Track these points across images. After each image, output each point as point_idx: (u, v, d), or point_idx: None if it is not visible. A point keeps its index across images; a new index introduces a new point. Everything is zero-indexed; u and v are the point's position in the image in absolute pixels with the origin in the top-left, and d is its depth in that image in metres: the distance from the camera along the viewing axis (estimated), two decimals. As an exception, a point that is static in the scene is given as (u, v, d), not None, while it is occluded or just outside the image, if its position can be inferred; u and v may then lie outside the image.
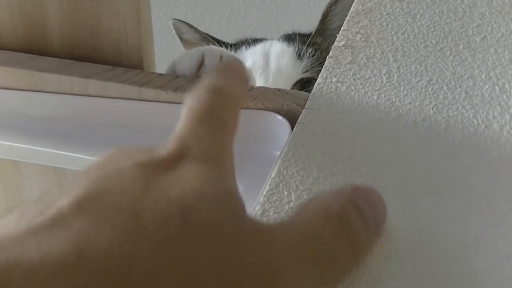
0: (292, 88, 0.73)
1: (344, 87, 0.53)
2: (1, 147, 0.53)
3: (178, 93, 0.54)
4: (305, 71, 0.75)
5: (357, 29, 0.60)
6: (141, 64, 0.58)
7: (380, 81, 0.53)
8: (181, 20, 0.84)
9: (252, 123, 0.52)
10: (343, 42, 0.58)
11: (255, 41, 0.83)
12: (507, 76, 0.53)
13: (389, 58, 0.56)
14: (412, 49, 0.57)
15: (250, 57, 0.77)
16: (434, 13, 0.62)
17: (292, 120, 0.51)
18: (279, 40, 0.81)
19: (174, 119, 0.35)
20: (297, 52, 0.76)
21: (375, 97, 0.51)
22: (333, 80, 0.53)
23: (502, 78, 0.52)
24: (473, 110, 0.49)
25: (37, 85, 0.55)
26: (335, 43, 0.59)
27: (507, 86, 0.51)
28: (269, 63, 0.75)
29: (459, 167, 0.44)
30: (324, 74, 0.54)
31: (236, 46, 0.83)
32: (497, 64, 0.54)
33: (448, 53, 0.56)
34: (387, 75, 0.54)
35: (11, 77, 0.55)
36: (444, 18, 0.61)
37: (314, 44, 0.78)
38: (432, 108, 0.50)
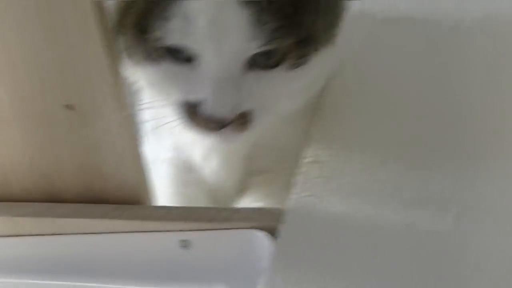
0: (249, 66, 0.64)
1: (315, 199, 0.60)
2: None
3: (176, 221, 0.62)
4: (264, 44, 0.62)
5: (323, 144, 0.69)
6: (140, 199, 0.67)
7: (345, 190, 0.61)
8: None
9: (240, 242, 0.59)
10: (312, 158, 0.66)
11: None
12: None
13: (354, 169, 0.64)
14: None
15: (199, 15, 0.61)
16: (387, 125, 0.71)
17: (273, 235, 0.58)
18: None
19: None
20: (252, 15, 0.61)
21: (342, 208, 0.59)
22: (304, 194, 0.61)
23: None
24: (429, 213, 0.57)
25: (54, 230, 0.64)
26: (303, 159, 0.66)
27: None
28: (224, 29, 0.61)
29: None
30: (297, 188, 0.62)
31: None
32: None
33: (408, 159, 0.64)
34: (350, 184, 0.62)
35: (33, 226, 0.64)
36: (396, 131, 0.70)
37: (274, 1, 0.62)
38: (392, 212, 0.58)
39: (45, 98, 0.63)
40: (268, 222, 0.60)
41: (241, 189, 0.83)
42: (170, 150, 0.86)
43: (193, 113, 0.66)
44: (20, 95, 0.63)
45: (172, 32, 0.62)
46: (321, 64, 0.68)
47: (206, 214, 0.62)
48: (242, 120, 0.66)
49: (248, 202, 0.80)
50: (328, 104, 0.74)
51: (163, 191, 0.85)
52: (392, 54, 0.82)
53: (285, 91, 0.68)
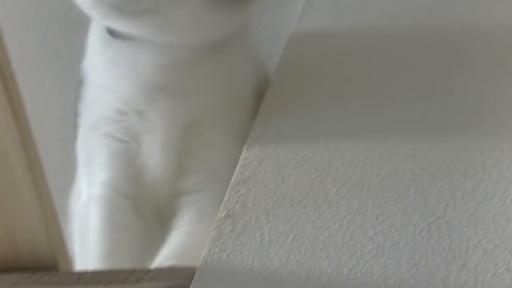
0: None
1: (225, 255, 0.62)
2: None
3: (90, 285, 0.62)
4: None
5: (236, 198, 0.70)
6: (56, 264, 0.67)
7: (254, 244, 0.62)
8: None
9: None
10: (224, 212, 0.68)
11: None
12: (355, 223, 0.63)
13: (261, 221, 0.66)
14: (281, 209, 0.67)
15: None
16: (299, 172, 0.73)
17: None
18: None
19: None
20: None
21: (250, 261, 0.60)
22: (217, 250, 0.63)
23: (351, 226, 0.63)
24: (328, 259, 0.59)
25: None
26: (219, 214, 0.68)
27: (355, 232, 0.62)
28: None
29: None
30: (210, 245, 0.63)
31: None
32: (347, 213, 0.65)
33: (309, 209, 0.66)
34: (260, 238, 0.63)
35: None
36: (307, 176, 0.72)
37: None
38: (296, 263, 0.59)
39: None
40: (179, 280, 0.61)
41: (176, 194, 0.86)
42: (102, 186, 0.87)
43: None
44: None
45: None
46: None
47: (118, 276, 0.63)
48: None
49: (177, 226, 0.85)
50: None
51: (93, 234, 0.84)
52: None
53: None
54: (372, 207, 0.65)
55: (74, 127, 0.89)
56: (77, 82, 0.89)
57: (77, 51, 0.90)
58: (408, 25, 1.02)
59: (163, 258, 0.80)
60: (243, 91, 0.89)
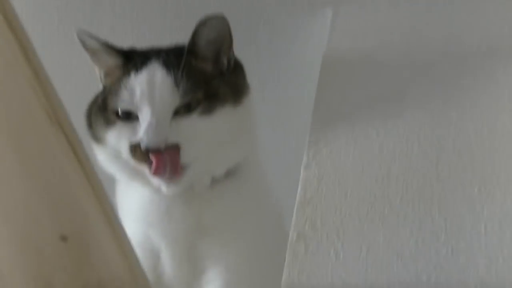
0: (174, 115, 0.85)
1: (304, 277, 0.63)
2: None
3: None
4: (182, 99, 0.86)
5: (304, 219, 0.71)
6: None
7: (330, 262, 0.63)
8: (85, 31, 0.90)
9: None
10: (296, 234, 0.69)
11: (143, 60, 0.91)
12: (425, 228, 0.63)
13: (333, 238, 0.66)
14: (350, 224, 0.68)
15: (137, 87, 0.87)
16: (360, 185, 0.73)
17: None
18: (162, 59, 0.90)
19: None
20: (174, 81, 0.86)
21: (329, 279, 0.61)
22: (295, 272, 0.64)
23: (421, 231, 0.63)
24: (405, 268, 0.59)
25: None
26: (289, 238, 0.69)
27: (426, 237, 0.62)
28: (153, 94, 0.86)
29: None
30: (288, 269, 0.64)
31: (128, 55, 0.91)
32: (415, 219, 0.65)
33: (377, 220, 0.67)
34: (335, 255, 0.64)
35: None
36: (368, 188, 0.72)
37: (189, 66, 0.88)
38: (374, 275, 0.60)
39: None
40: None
41: None
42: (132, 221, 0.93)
43: (135, 151, 0.84)
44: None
45: (122, 101, 0.87)
46: (227, 117, 0.88)
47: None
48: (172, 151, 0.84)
49: None
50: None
51: None
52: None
53: (202, 132, 0.86)
54: (439, 209, 0.65)
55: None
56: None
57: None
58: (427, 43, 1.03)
59: None
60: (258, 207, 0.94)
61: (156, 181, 0.86)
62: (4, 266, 0.67)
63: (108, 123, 0.88)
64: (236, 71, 0.95)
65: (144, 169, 0.85)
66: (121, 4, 1.40)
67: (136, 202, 0.91)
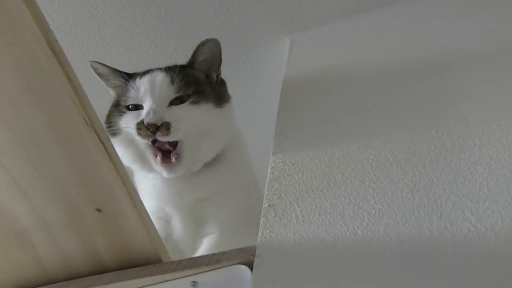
0: (170, 104, 0.87)
1: (274, 234, 0.63)
2: None
3: (186, 269, 0.64)
4: (176, 93, 0.87)
5: (273, 192, 0.71)
6: (160, 259, 0.68)
7: (292, 223, 0.63)
8: (96, 61, 0.93)
9: (229, 275, 0.61)
10: (267, 203, 0.69)
11: (146, 72, 0.92)
12: (359, 197, 0.64)
13: (294, 206, 0.66)
14: (306, 195, 0.68)
15: (142, 86, 0.88)
16: (313, 166, 0.73)
17: (251, 266, 0.60)
18: (163, 70, 0.91)
19: None
20: (171, 79, 0.88)
21: (291, 235, 0.61)
22: (267, 232, 0.64)
23: (357, 199, 0.63)
24: (346, 226, 0.60)
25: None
26: (263, 205, 0.69)
27: (360, 203, 0.62)
28: (154, 89, 0.87)
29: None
30: (261, 229, 0.64)
31: (133, 76, 0.92)
32: (352, 190, 0.65)
33: (325, 191, 0.67)
34: (295, 218, 0.64)
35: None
36: (318, 168, 0.73)
37: (183, 71, 0.90)
38: (324, 232, 0.60)
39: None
40: (246, 257, 0.62)
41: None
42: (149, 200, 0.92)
43: (140, 128, 0.85)
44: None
45: (130, 98, 0.88)
46: (210, 112, 0.89)
47: (204, 260, 0.64)
48: (165, 127, 0.84)
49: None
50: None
51: None
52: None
53: (189, 117, 0.87)
54: (369, 182, 0.66)
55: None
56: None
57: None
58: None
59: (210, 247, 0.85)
60: (240, 181, 0.96)
61: (158, 168, 0.86)
62: (61, 229, 0.67)
63: (121, 114, 0.89)
64: (221, 84, 0.96)
65: (144, 141, 0.86)
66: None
67: (152, 187, 0.91)
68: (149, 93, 0.87)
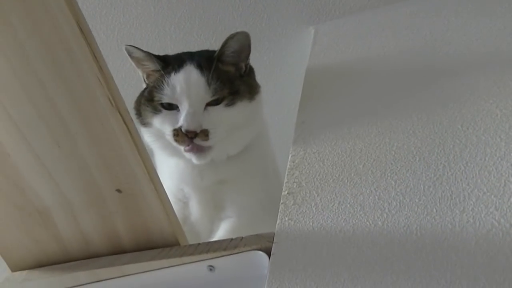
0: (205, 106, 0.86)
1: (293, 222, 0.63)
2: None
3: (203, 253, 0.64)
4: (213, 95, 0.86)
5: (293, 180, 0.71)
6: (177, 241, 0.68)
7: (311, 212, 0.63)
8: (130, 45, 0.90)
9: (247, 260, 0.61)
10: (286, 191, 0.69)
11: (179, 63, 0.89)
12: (381, 188, 0.63)
13: (314, 194, 0.66)
14: (326, 184, 0.67)
15: (177, 84, 0.86)
16: (334, 155, 0.73)
17: (269, 252, 0.60)
18: (196, 62, 0.89)
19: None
20: (206, 81, 0.86)
21: (310, 224, 0.61)
22: (286, 219, 0.63)
23: (378, 190, 0.63)
24: (366, 216, 0.59)
25: (121, 273, 0.66)
26: (282, 193, 0.69)
27: (381, 194, 0.62)
28: (190, 91, 0.85)
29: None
30: (280, 216, 0.64)
31: (168, 67, 0.89)
32: (374, 180, 0.65)
33: (346, 181, 0.66)
34: (315, 206, 0.64)
35: (107, 273, 0.66)
36: (340, 157, 0.72)
37: (217, 70, 0.87)
38: (344, 221, 0.60)
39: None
40: (264, 244, 0.62)
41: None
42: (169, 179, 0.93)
43: (177, 134, 0.84)
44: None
45: (165, 95, 0.86)
46: (244, 109, 0.88)
47: (221, 244, 0.64)
48: (204, 134, 0.84)
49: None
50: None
51: None
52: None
53: (227, 120, 0.86)
54: (391, 174, 0.65)
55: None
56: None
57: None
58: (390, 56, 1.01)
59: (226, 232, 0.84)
60: (262, 168, 0.96)
61: (188, 155, 0.87)
62: (81, 208, 0.68)
63: (155, 111, 0.87)
64: (250, 73, 0.95)
65: (181, 148, 0.85)
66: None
67: (174, 167, 0.91)
68: (185, 95, 0.85)
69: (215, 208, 0.91)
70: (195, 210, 0.91)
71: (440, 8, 1.14)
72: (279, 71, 1.41)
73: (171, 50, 1.41)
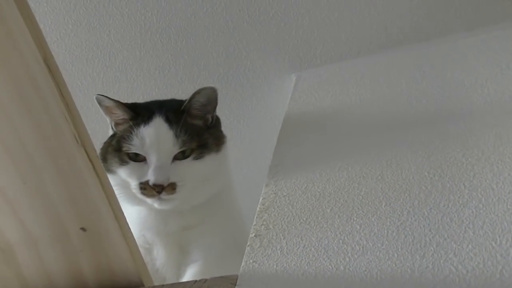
0: (173, 160, 0.87)
1: (257, 264, 0.62)
2: None
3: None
4: (180, 147, 0.87)
5: (261, 222, 0.71)
6: (142, 282, 0.67)
7: (276, 254, 0.63)
8: (100, 94, 0.91)
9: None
10: (254, 234, 0.68)
11: (149, 116, 0.90)
12: (345, 232, 0.63)
13: (280, 238, 0.66)
14: (293, 227, 0.67)
15: (147, 137, 0.87)
16: (303, 199, 0.73)
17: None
18: (164, 115, 0.90)
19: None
20: (175, 134, 0.87)
21: (274, 266, 0.61)
22: (251, 261, 0.63)
23: (343, 234, 0.63)
24: (329, 260, 0.59)
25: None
26: (250, 235, 0.69)
27: (346, 238, 0.62)
28: (159, 144, 0.86)
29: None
30: (245, 258, 0.64)
31: (137, 117, 0.90)
32: (339, 225, 0.65)
33: (312, 224, 0.67)
34: (280, 249, 0.64)
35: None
36: (309, 201, 0.72)
37: (185, 123, 0.89)
38: (307, 265, 0.59)
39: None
40: (227, 286, 0.61)
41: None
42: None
43: (144, 187, 0.85)
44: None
45: (134, 146, 0.87)
46: (212, 161, 0.90)
47: (185, 286, 0.64)
48: (171, 187, 0.85)
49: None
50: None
51: None
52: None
53: (194, 173, 0.88)
54: (357, 218, 0.65)
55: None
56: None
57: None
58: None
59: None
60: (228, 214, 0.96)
61: (150, 201, 0.87)
62: (46, 246, 0.67)
63: (122, 162, 0.88)
64: (216, 124, 0.97)
65: (148, 197, 0.86)
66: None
67: (135, 214, 0.91)
68: (154, 147, 0.86)
69: (181, 253, 0.90)
70: (160, 256, 0.90)
71: (417, 59, 1.17)
72: (261, 116, 1.43)
73: (156, 93, 1.43)
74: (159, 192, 0.85)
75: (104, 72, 1.42)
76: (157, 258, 0.90)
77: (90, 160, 0.59)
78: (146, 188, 0.85)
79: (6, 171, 0.60)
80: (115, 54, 1.40)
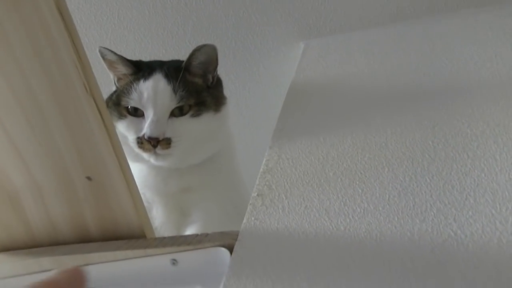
0: (171, 113, 0.87)
1: (258, 222, 0.63)
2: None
3: (167, 247, 0.64)
4: (178, 102, 0.87)
5: (264, 182, 0.71)
6: (144, 234, 0.68)
7: (278, 213, 0.63)
8: (104, 47, 0.91)
9: (209, 256, 0.61)
10: (256, 193, 0.69)
11: (150, 71, 0.90)
12: (347, 195, 0.64)
13: (282, 197, 0.67)
14: (295, 188, 0.68)
15: (145, 91, 0.87)
16: (307, 162, 0.74)
17: (231, 249, 0.60)
18: (164, 72, 0.90)
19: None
20: (173, 89, 0.87)
21: (275, 225, 0.61)
22: (252, 219, 0.64)
23: (344, 197, 0.63)
24: (329, 220, 0.60)
25: (86, 262, 0.65)
26: (252, 194, 0.69)
27: (347, 201, 0.62)
28: (157, 99, 0.86)
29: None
30: (247, 216, 0.64)
31: (139, 73, 0.91)
32: (341, 188, 0.65)
33: (314, 186, 0.67)
34: (281, 209, 0.64)
35: (71, 261, 0.66)
36: (312, 164, 0.73)
37: (184, 79, 0.89)
38: (308, 224, 0.60)
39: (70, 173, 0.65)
40: (228, 241, 0.62)
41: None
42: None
43: (141, 142, 0.86)
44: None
45: (132, 100, 0.87)
46: (209, 120, 0.90)
47: (186, 239, 0.64)
48: (166, 142, 0.86)
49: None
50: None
51: None
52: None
53: (190, 130, 0.88)
54: (359, 183, 0.66)
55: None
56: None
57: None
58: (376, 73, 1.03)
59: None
60: (228, 178, 0.97)
61: (147, 156, 0.87)
62: (51, 193, 0.67)
63: (121, 116, 0.89)
64: (217, 85, 0.96)
65: (144, 151, 0.86)
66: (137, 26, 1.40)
67: (137, 172, 0.91)
68: (151, 102, 0.87)
69: (181, 214, 0.91)
70: (160, 215, 0.91)
71: (426, 33, 1.16)
72: (268, 83, 1.42)
73: (162, 55, 1.42)
74: (155, 146, 0.85)
75: (112, 30, 1.41)
76: (156, 217, 0.91)
77: (98, 110, 0.59)
78: (143, 142, 0.86)
79: (14, 116, 0.60)
80: (124, 12, 1.39)
